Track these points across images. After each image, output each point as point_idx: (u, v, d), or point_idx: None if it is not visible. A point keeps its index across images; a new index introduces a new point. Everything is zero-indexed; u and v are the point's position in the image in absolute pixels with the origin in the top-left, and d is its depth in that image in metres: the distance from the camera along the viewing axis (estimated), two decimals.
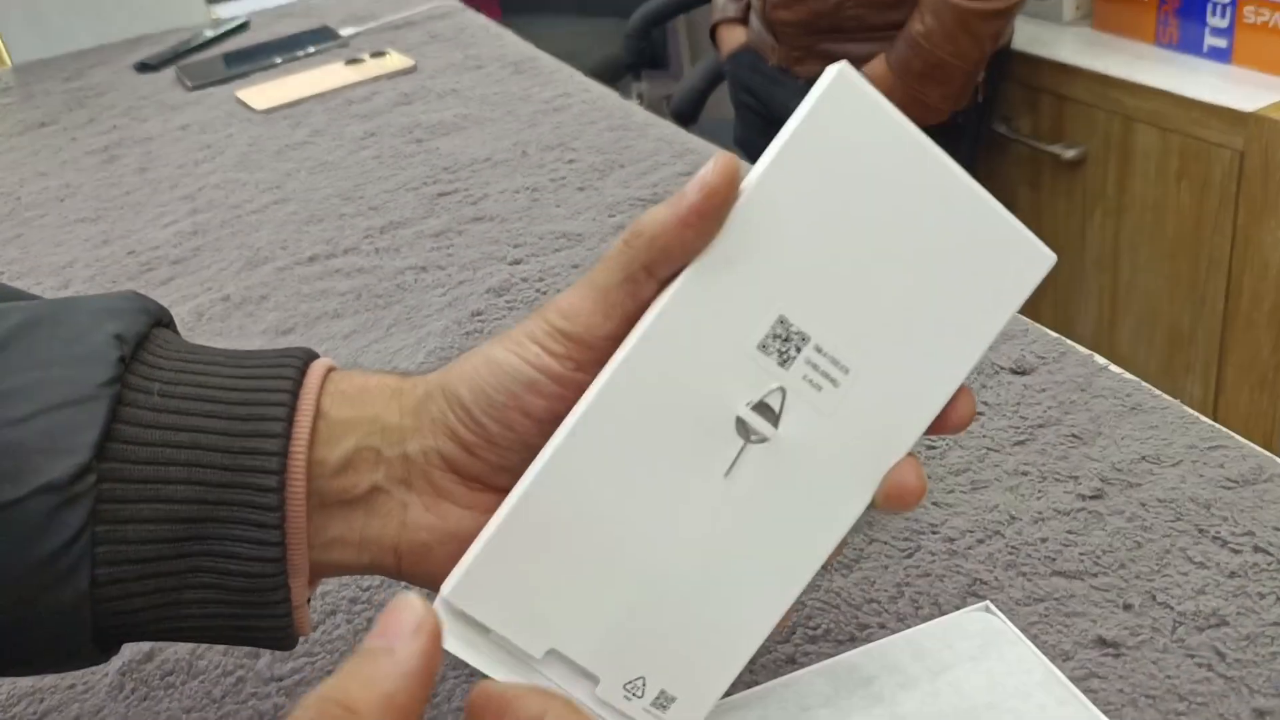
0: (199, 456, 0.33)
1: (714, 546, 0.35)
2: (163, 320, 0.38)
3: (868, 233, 0.34)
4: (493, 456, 0.35)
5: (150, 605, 0.34)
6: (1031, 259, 0.36)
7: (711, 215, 0.33)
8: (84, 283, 0.83)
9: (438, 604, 0.34)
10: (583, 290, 0.35)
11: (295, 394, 0.35)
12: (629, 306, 0.34)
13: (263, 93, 1.19)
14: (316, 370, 0.37)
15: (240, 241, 0.86)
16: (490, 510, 0.35)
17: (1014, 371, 0.58)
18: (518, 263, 0.77)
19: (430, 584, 0.36)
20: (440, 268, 0.78)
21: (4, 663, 0.35)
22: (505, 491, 0.34)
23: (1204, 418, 0.53)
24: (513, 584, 0.34)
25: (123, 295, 0.37)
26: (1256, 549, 0.45)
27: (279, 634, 0.36)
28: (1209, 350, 1.54)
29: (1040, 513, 0.49)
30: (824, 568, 0.36)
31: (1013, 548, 0.47)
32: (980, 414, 0.56)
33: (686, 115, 2.05)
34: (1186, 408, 0.54)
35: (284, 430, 0.34)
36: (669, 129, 0.96)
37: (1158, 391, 0.56)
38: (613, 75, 2.45)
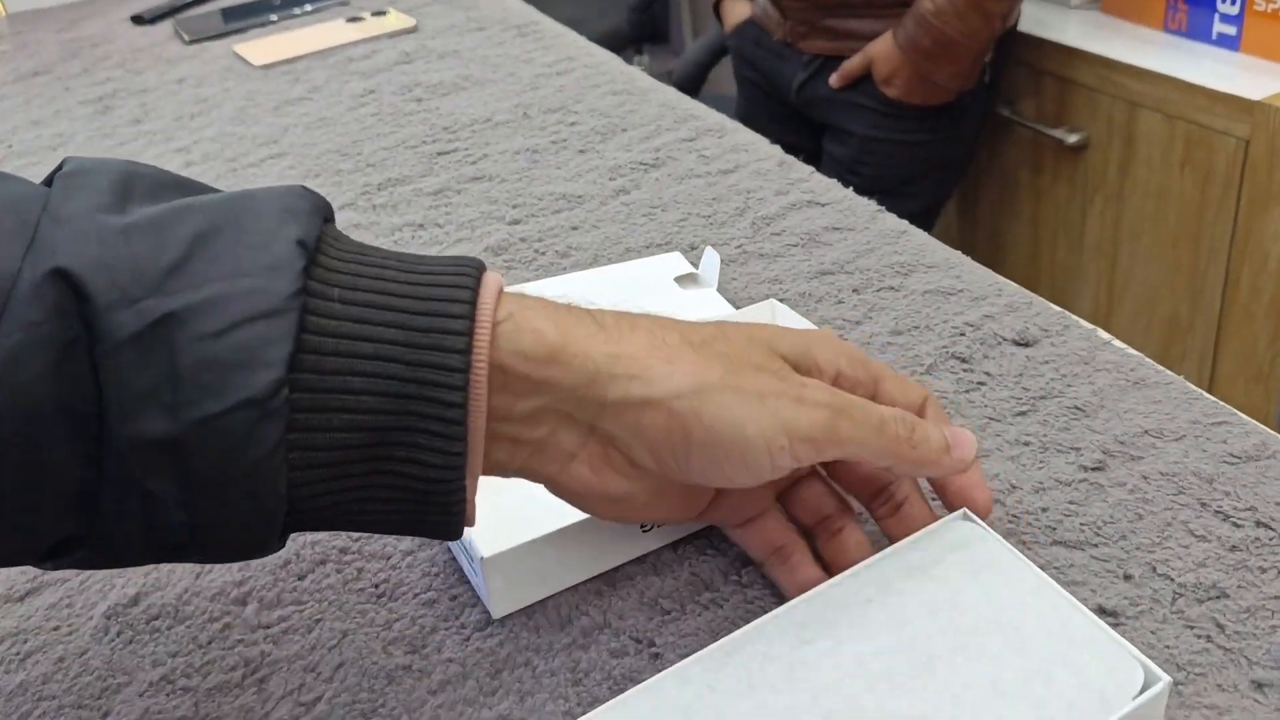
0: (382, 368, 0.34)
1: None
2: (328, 216, 0.38)
3: None
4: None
5: (334, 504, 0.35)
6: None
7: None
8: None
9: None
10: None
11: (473, 303, 0.36)
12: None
13: (262, 48, 1.18)
14: (490, 286, 0.37)
15: None
16: (652, 491, 0.39)
17: (1017, 343, 0.58)
18: (516, 223, 0.76)
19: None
20: (438, 225, 0.77)
21: (185, 553, 0.35)
22: (672, 482, 0.39)
23: (1207, 394, 0.53)
24: None
25: (295, 193, 0.36)
26: (1258, 524, 0.45)
27: (450, 528, 0.37)
28: (1205, 340, 1.54)
29: (1041, 483, 0.49)
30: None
31: (1013, 516, 0.47)
32: (982, 384, 0.55)
33: (687, 89, 2.03)
34: (1190, 384, 0.54)
35: (465, 345, 0.35)
36: (672, 94, 0.95)
37: (1160, 367, 0.55)
38: (614, 48, 2.40)
